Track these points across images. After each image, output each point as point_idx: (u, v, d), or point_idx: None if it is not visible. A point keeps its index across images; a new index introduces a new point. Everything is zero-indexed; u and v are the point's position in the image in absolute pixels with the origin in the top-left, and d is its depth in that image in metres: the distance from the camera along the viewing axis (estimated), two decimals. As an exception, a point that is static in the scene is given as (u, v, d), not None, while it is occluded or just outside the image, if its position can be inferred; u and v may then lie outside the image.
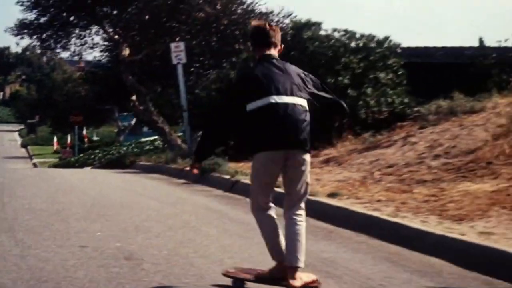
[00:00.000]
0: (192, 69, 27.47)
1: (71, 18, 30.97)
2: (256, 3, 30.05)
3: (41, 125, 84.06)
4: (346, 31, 20.94)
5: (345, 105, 6.67)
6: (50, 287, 6.26)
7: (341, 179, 14.00)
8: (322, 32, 21.27)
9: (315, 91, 6.27)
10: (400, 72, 20.65)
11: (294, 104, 6.00)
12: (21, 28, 30.82)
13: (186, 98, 21.13)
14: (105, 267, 7.08)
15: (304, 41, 20.34)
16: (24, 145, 76.67)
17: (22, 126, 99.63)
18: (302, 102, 6.08)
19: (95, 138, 67.49)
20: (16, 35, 31.34)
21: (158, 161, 22.31)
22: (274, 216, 6.13)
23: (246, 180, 14.00)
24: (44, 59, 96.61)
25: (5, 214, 10.66)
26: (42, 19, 30.61)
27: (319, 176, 14.50)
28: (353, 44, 20.59)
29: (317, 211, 10.51)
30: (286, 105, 5.97)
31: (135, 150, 36.64)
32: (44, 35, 30.90)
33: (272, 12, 30.62)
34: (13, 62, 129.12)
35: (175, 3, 27.34)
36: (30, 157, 61.08)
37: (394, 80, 20.42)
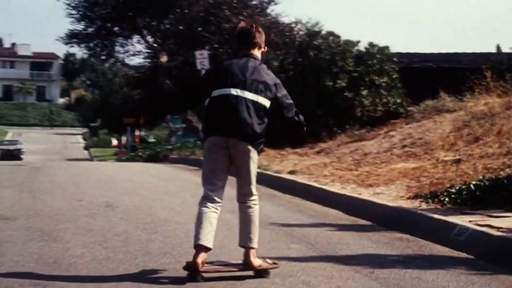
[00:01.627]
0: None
1: (115, 29, 34.54)
2: (279, 14, 33.07)
3: (102, 128, 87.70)
4: (347, 40, 23.85)
5: (302, 124, 6.75)
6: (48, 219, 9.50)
7: (314, 163, 16.89)
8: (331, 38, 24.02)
9: (276, 100, 6.49)
10: (394, 76, 23.44)
11: (252, 101, 6.31)
12: (71, 37, 34.45)
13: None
14: (89, 211, 10.29)
15: (313, 48, 23.22)
16: (86, 148, 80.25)
17: (85, 130, 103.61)
18: (264, 101, 6.37)
19: (151, 140, 70.66)
20: (66, 43, 35.03)
21: (185, 155, 25.48)
22: (211, 211, 6.34)
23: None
24: (106, 64, 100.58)
25: (34, 184, 13.96)
26: (90, 30, 34.26)
27: (298, 162, 17.47)
28: (355, 49, 23.44)
29: (274, 183, 13.66)
30: (244, 99, 6.28)
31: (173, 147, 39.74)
32: (91, 44, 34.53)
33: (299, 21, 33.52)
34: (78, 68, 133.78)
35: (207, 15, 30.57)
36: (91, 158, 64.58)
37: (388, 83, 23.20)
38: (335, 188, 12.27)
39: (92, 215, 9.81)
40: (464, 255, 7.82)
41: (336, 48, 23.30)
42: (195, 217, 6.33)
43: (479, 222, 8.47)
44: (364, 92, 22.56)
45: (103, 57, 35.58)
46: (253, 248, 6.41)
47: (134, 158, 41.96)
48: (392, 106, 22.93)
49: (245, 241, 6.42)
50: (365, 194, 11.39)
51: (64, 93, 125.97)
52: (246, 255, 6.41)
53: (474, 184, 9.99)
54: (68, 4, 33.80)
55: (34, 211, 10.07)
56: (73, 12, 33.85)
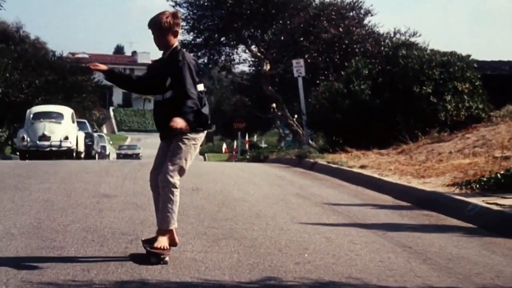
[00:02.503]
0: (317, 81, 32.42)
1: (222, 39, 37.10)
2: (375, 25, 34.96)
3: (217, 134, 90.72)
4: (432, 50, 25.50)
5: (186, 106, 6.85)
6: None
7: (388, 160, 18.68)
8: (415, 51, 25.70)
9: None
10: (476, 83, 24.88)
11: None
12: (181, 47, 37.04)
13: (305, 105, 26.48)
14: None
15: (399, 58, 24.94)
16: (201, 153, 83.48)
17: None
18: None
19: (263, 145, 73.22)
20: None
21: (282, 155, 27.51)
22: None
23: (323, 162, 19.16)
24: (224, 72, 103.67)
25: (137, 175, 16.29)
26: (198, 40, 36.94)
27: (376, 159, 19.27)
28: (438, 58, 25.00)
29: (345, 175, 15.65)
30: None
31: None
32: (199, 53, 37.17)
33: (398, 31, 35.30)
34: (230, 76, 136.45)
35: (307, 26, 32.70)
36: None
37: (470, 89, 24.65)
38: (392, 178, 14.13)
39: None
40: (470, 225, 9.65)
41: (424, 57, 24.92)
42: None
43: (489, 201, 10.26)
44: (448, 98, 24.08)
45: (210, 65, 38.09)
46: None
47: (242, 160, 44.44)
48: (474, 111, 24.35)
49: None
50: (414, 183, 13.23)
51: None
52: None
53: (501, 174, 11.73)
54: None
55: (132, 191, 12.32)
56: (183, 23, 36.47)
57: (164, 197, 6.82)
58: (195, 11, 36.08)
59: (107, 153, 49.71)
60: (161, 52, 7.18)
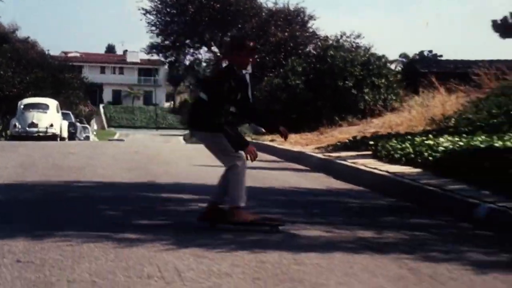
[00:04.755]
0: (266, 78, 37.11)
1: (187, 41, 42.40)
2: (316, 29, 40.12)
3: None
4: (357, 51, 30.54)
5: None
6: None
7: (304, 137, 23.32)
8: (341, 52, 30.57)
9: None
10: (391, 79, 29.84)
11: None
12: (151, 48, 42.57)
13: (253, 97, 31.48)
14: (127, 155, 17.45)
15: (327, 58, 29.82)
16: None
17: (187, 131, 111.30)
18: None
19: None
20: (147, 53, 42.98)
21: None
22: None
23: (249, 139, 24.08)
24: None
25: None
26: (166, 42, 42.28)
27: (295, 138, 24.11)
28: (359, 58, 29.91)
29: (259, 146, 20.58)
30: None
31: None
32: (167, 53, 42.48)
33: (343, 34, 40.14)
34: (183, 73, 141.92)
35: (258, 30, 37.88)
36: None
37: (386, 84, 29.58)
38: (285, 146, 19.02)
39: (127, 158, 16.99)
40: (308, 168, 14.59)
41: (348, 57, 29.82)
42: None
43: (326, 155, 15.21)
44: (366, 90, 28.97)
45: (177, 64, 43.17)
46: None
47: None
48: (389, 102, 29.28)
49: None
50: (295, 148, 18.17)
51: (170, 97, 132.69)
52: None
53: (350, 140, 16.68)
54: (149, 23, 41.75)
55: (89, 153, 17.27)
56: (153, 28, 41.63)
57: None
58: (163, 17, 41.51)
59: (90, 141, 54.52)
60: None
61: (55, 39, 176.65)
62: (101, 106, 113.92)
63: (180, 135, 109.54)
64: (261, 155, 18.18)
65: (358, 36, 40.40)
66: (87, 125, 58.74)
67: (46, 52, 60.40)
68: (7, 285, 5.05)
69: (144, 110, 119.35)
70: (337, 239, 7.22)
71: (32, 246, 6.26)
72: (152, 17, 41.21)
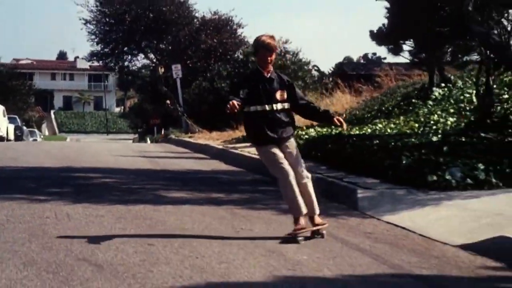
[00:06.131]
0: (197, 81, 39.90)
1: (125, 49, 45.19)
2: (244, 37, 43.17)
3: (147, 134, 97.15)
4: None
5: None
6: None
7: (221, 134, 26.15)
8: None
9: None
10: (308, 81, 32.80)
11: None
12: (92, 56, 45.34)
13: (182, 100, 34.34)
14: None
15: (249, 62, 32.67)
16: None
17: (136, 135, 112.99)
18: None
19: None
20: (88, 60, 45.54)
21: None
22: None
23: (174, 137, 26.84)
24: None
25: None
26: (105, 50, 45.08)
27: (213, 135, 26.89)
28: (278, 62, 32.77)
29: (179, 142, 23.35)
30: None
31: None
32: (107, 60, 45.31)
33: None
34: (131, 79, 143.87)
35: (190, 38, 40.81)
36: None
37: (302, 85, 32.48)
38: (198, 141, 21.78)
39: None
40: (208, 157, 17.36)
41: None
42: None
43: (224, 146, 17.99)
44: (285, 91, 31.82)
45: (116, 70, 45.81)
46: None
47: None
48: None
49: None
50: (201, 141, 20.93)
51: (120, 102, 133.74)
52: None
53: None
54: (89, 32, 44.48)
55: (34, 153, 19.85)
56: (93, 37, 44.32)
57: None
58: (102, 26, 44.41)
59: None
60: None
61: (8, 46, 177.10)
62: (52, 112, 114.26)
63: (130, 139, 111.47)
64: (175, 148, 21.01)
65: (286, 42, 43.37)
66: (34, 130, 60.70)
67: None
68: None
69: (94, 115, 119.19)
70: (192, 198, 9.91)
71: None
72: (92, 27, 43.83)
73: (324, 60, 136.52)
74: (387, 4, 16.18)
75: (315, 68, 34.50)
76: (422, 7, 13.46)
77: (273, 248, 6.70)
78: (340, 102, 24.92)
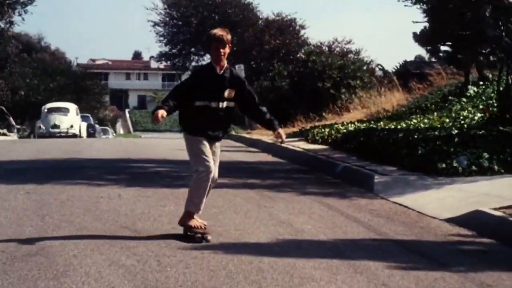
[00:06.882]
0: (259, 80, 41.08)
1: (192, 49, 47.01)
2: (307, 37, 44.46)
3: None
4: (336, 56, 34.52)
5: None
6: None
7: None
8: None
9: None
10: (365, 80, 33.77)
11: None
12: (161, 57, 47.34)
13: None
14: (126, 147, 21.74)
15: (308, 62, 33.82)
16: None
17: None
18: None
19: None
20: (157, 61, 47.51)
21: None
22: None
23: (234, 133, 28.26)
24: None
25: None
26: (173, 51, 47.05)
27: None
28: (337, 62, 33.86)
29: (238, 139, 24.79)
30: None
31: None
32: (175, 61, 47.25)
33: (336, 39, 44.28)
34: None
35: (254, 39, 42.20)
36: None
37: (361, 84, 33.48)
38: (256, 137, 23.08)
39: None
40: (258, 150, 18.70)
41: (326, 61, 33.78)
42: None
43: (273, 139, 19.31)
44: (343, 90, 32.96)
45: (190, 68, 47.66)
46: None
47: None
48: (364, 99, 33.26)
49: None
50: (258, 137, 22.26)
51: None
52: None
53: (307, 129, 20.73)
54: (157, 33, 46.48)
55: (96, 148, 21.50)
56: (161, 38, 46.29)
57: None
58: (170, 29, 46.42)
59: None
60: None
61: (83, 47, 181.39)
62: (126, 110, 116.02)
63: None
64: (232, 143, 22.43)
65: (349, 42, 44.49)
66: (107, 128, 62.86)
67: (73, 61, 65.08)
68: (20, 201, 9.15)
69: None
70: (230, 183, 11.14)
71: (37, 187, 10.39)
72: (160, 29, 45.85)
73: (391, 58, 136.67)
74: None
75: (379, 67, 35.48)
76: (452, 13, 14.49)
77: (284, 220, 7.99)
78: (391, 100, 25.96)
